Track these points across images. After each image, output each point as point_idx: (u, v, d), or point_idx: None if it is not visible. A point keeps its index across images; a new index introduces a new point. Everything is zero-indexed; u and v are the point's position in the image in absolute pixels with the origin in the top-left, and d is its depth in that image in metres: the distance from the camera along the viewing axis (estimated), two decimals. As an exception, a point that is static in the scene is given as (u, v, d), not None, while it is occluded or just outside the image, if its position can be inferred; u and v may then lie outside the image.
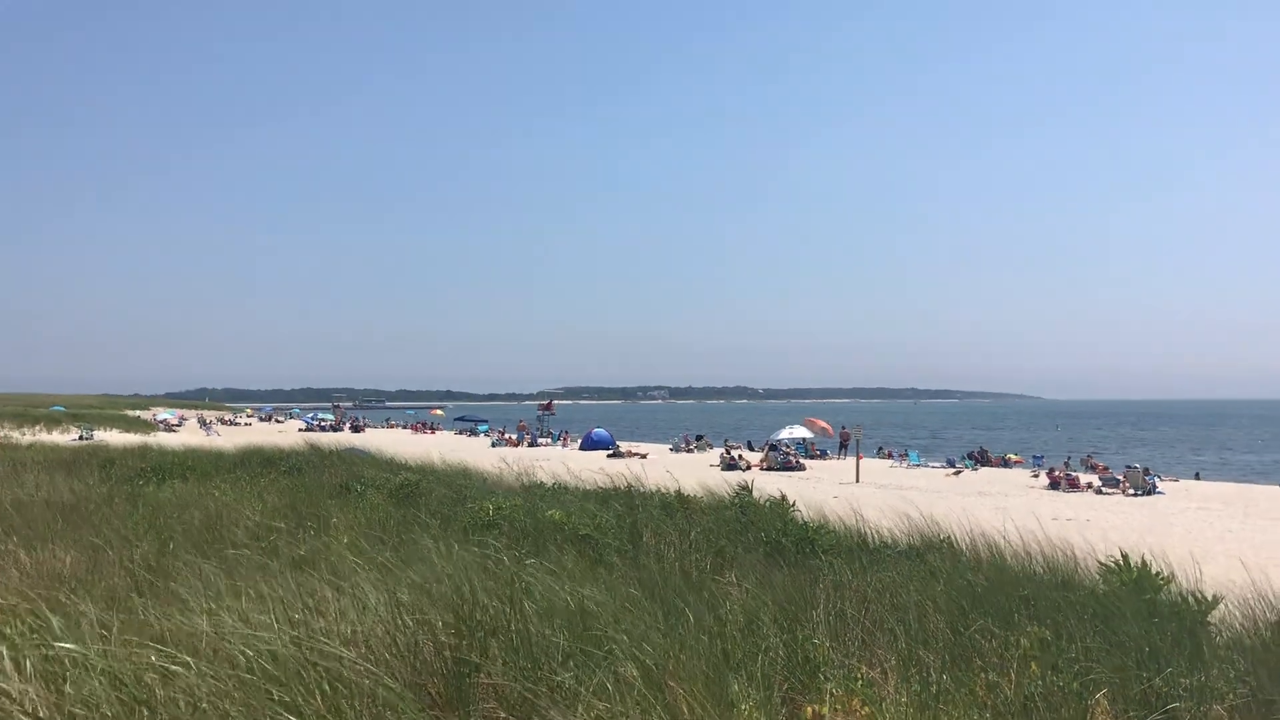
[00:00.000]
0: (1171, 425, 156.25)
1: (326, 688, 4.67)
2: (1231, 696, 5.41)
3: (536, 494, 17.02)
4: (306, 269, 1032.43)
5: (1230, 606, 8.22)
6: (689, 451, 64.10)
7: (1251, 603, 8.25)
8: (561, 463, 27.33)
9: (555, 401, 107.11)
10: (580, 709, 4.88)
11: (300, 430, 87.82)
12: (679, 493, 16.23)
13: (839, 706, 5.40)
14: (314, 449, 28.61)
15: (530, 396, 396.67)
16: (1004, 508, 32.45)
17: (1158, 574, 8.09)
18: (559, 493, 17.63)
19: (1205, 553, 23.12)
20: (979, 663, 6.07)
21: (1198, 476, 52.35)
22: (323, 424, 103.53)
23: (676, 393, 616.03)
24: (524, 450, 63.69)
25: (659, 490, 16.96)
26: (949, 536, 11.29)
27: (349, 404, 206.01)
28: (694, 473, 33.94)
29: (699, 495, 16.69)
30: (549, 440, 75.92)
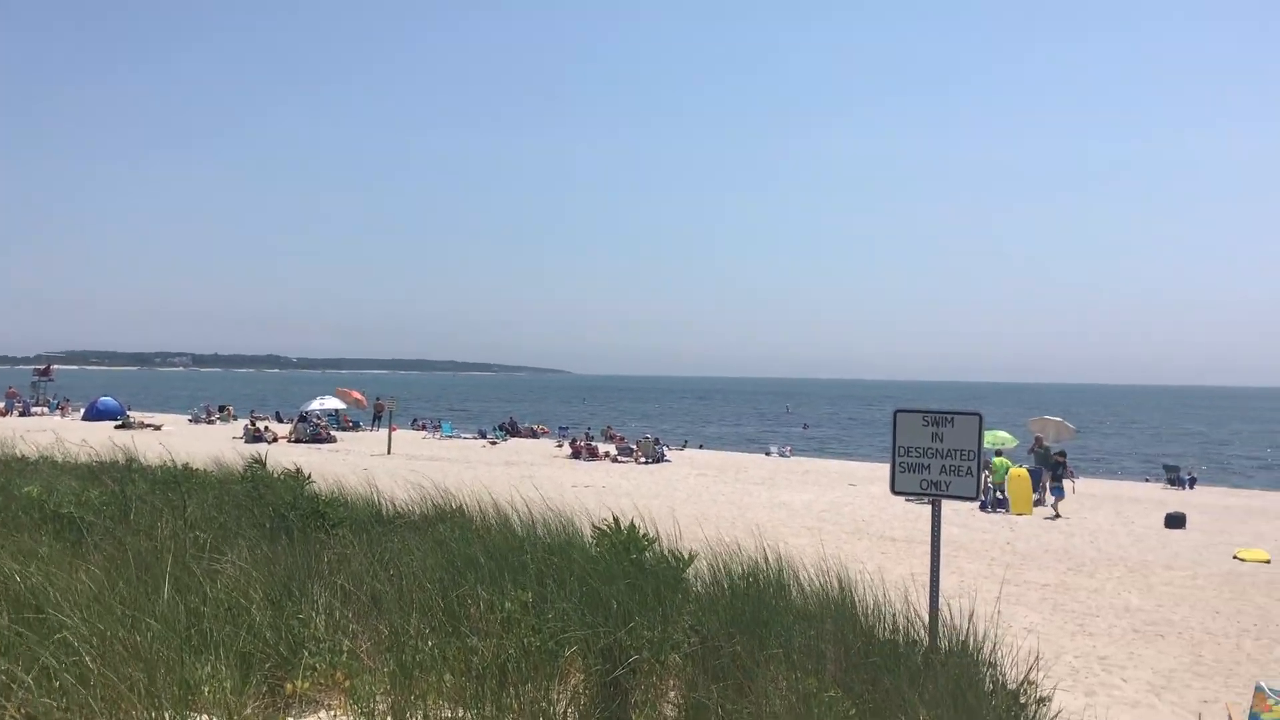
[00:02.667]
0: (688, 399, 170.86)
1: None
2: (686, 645, 5.97)
3: (16, 468, 15.17)
4: None
5: (712, 561, 9.04)
6: (210, 423, 60.48)
7: (725, 558, 9.15)
8: (56, 434, 24.58)
9: (55, 366, 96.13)
10: (13, 703, 4.34)
11: None
12: (185, 466, 15.21)
13: (322, 681, 5.27)
14: None
15: (26, 360, 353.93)
16: (529, 476, 33.72)
17: (644, 535, 8.72)
18: (45, 467, 15.85)
19: (702, 514, 25.48)
20: (466, 628, 6.21)
21: (701, 446, 57.66)
22: None
23: (201, 360, 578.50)
24: (14, 420, 56.81)
25: (164, 464, 15.77)
26: (461, 505, 11.48)
27: None
28: (213, 445, 31.97)
29: (211, 469, 15.78)
30: (45, 409, 68.28)
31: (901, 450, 8.26)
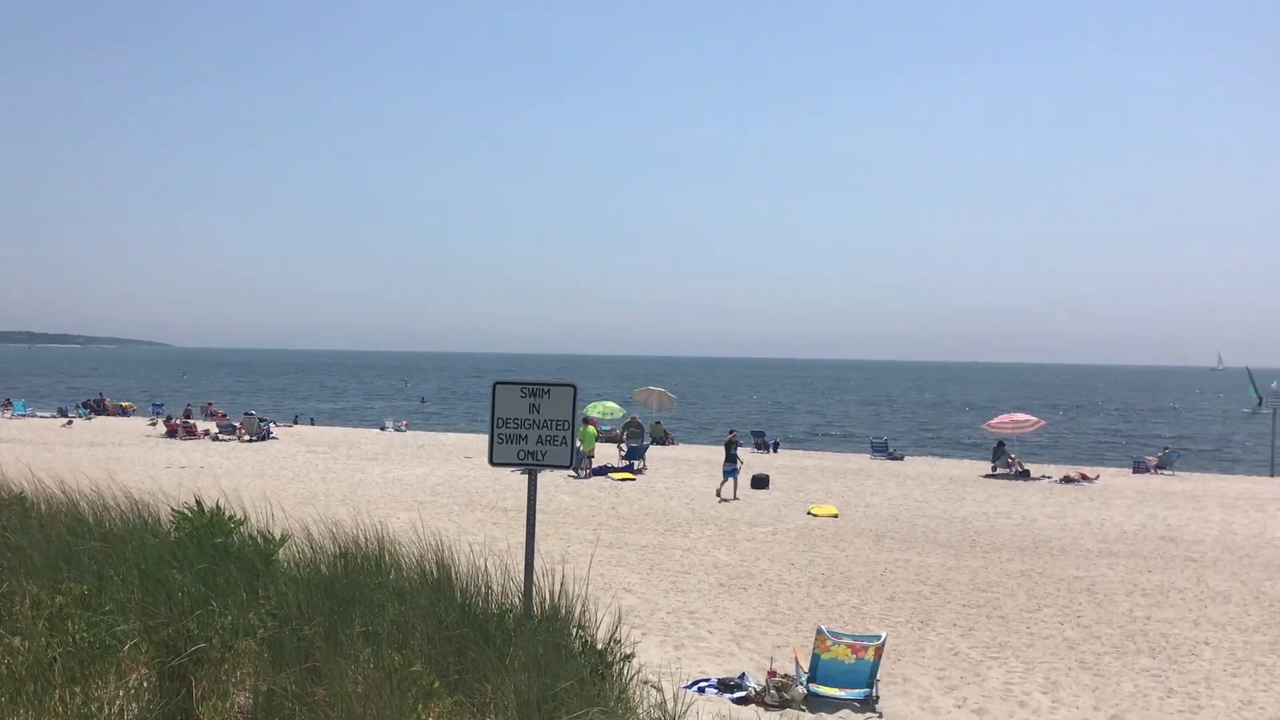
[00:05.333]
0: (298, 373, 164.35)
1: None
2: (263, 629, 5.67)
3: None
4: None
5: (310, 541, 8.68)
6: None
7: (324, 537, 8.82)
8: None
9: None
10: None
11: None
12: None
13: None
14: None
15: None
16: (115, 458, 31.13)
17: (231, 517, 8.23)
18: None
19: (310, 493, 24.65)
20: (7, 628, 5.54)
21: (313, 422, 55.74)
22: None
23: None
24: None
25: None
26: (22, 492, 10.31)
27: None
28: None
29: None
30: None
31: (500, 422, 8.32)
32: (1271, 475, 38.51)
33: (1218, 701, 10.88)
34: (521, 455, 8.34)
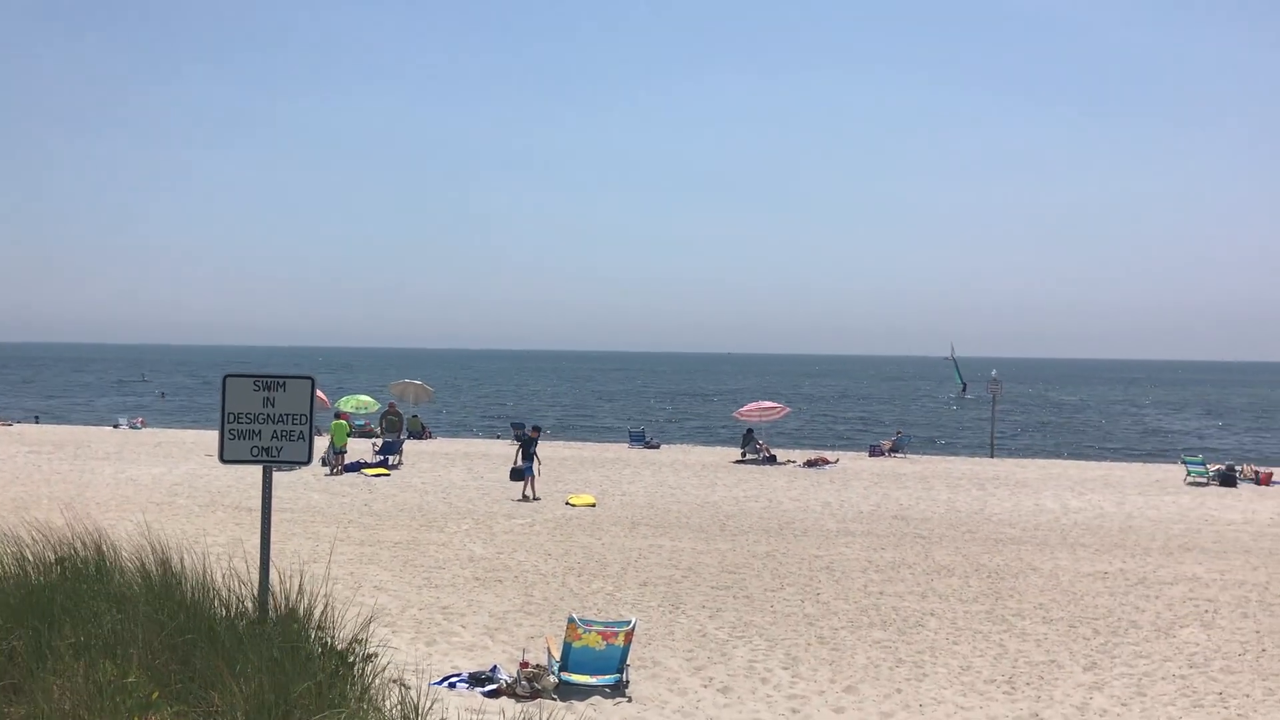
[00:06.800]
0: (16, 368, 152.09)
1: None
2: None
3: None
4: None
5: (22, 549, 8.01)
6: None
7: (38, 544, 8.17)
8: None
9: None
10: None
11: None
12: None
13: None
14: None
15: None
16: None
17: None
18: None
19: (29, 496, 22.80)
20: None
21: (38, 420, 51.70)
22: None
23: None
24: None
25: None
26: None
27: None
28: None
29: None
30: None
31: (231, 417, 7.91)
32: (991, 456, 41.74)
33: (940, 668, 11.70)
34: (255, 452, 7.95)
